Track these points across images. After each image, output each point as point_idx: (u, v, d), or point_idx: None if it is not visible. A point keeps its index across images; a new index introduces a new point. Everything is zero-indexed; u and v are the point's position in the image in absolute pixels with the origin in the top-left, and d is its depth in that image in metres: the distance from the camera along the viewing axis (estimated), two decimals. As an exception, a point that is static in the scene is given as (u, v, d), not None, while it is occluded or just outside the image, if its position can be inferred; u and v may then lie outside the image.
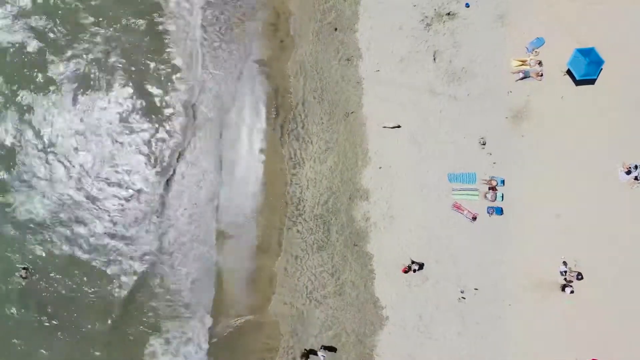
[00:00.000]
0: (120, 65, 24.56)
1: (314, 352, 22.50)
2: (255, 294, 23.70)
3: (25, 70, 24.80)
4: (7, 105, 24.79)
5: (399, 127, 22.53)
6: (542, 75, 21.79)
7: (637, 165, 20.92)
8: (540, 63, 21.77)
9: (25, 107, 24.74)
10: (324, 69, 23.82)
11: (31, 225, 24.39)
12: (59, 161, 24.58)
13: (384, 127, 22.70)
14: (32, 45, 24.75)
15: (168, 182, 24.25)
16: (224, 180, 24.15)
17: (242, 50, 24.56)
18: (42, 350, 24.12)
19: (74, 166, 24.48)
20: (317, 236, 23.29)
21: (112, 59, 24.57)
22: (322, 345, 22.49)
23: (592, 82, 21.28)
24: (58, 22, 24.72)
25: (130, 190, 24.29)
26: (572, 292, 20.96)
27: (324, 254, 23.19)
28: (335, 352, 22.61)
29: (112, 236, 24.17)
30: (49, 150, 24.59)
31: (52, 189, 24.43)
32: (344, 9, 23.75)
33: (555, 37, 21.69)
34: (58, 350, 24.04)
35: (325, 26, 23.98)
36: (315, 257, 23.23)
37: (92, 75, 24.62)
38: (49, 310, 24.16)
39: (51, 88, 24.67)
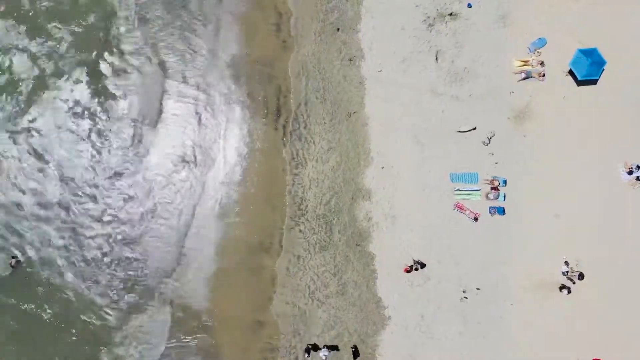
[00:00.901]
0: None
1: (317, 348, 22.55)
2: (256, 294, 23.70)
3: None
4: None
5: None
6: (544, 75, 21.81)
7: (639, 165, 20.96)
8: (542, 63, 21.79)
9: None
10: (326, 69, 23.84)
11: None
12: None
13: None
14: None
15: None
16: (225, 180, 24.21)
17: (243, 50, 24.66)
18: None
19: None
20: (319, 236, 23.32)
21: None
22: (325, 345, 22.54)
23: (594, 82, 21.31)
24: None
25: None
26: (569, 292, 20.99)
27: (326, 253, 23.21)
28: (337, 351, 22.67)
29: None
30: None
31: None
32: (346, 9, 23.78)
33: (557, 38, 21.72)
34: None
35: (328, 26, 24.00)
36: (318, 257, 23.25)
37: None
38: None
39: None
